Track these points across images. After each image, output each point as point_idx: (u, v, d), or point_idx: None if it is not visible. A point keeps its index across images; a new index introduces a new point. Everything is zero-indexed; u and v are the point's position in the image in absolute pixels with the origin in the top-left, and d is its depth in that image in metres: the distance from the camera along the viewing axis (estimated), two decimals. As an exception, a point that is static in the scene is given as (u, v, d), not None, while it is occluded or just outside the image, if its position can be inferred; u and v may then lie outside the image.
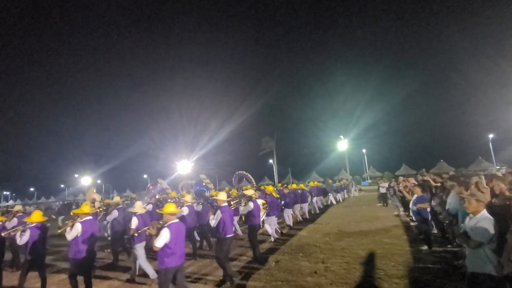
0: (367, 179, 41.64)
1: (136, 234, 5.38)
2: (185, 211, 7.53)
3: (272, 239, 8.58)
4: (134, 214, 5.73)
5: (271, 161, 40.59)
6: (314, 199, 14.67)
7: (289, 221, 10.83)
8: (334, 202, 18.28)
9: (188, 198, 7.55)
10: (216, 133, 39.69)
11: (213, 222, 5.44)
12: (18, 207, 8.59)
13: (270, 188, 9.71)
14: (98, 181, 55.24)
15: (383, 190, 15.63)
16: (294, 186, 14.20)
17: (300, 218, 12.22)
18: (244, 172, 26.66)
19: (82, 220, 4.88)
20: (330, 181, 23.00)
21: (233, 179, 27.72)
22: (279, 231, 9.56)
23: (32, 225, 5.31)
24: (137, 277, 5.79)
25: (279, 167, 40.61)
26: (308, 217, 12.90)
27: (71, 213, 6.61)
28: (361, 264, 5.98)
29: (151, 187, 21.41)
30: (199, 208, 8.27)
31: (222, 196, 5.87)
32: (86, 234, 4.81)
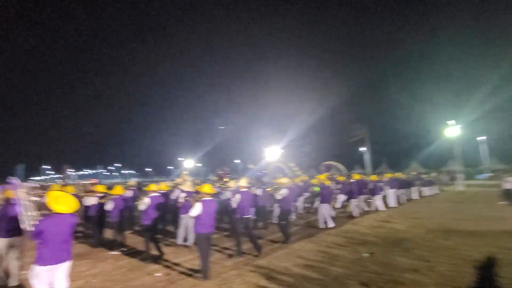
0: (484, 172, 34.87)
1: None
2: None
3: (321, 226, 8.93)
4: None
5: (363, 149, 38.03)
6: (391, 191, 13.23)
7: (356, 212, 10.90)
8: (416, 197, 16.08)
9: (244, 182, 7.93)
10: (304, 119, 39.06)
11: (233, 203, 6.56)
12: (133, 182, 10.69)
13: (321, 177, 10.47)
14: (198, 164, 61.79)
15: (508, 186, 12.99)
16: (358, 176, 13.32)
17: (361, 210, 11.55)
18: (332, 163, 25.67)
19: (203, 199, 5.31)
20: (414, 173, 19.88)
21: (320, 168, 27.08)
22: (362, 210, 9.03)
23: (152, 195, 6.51)
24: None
25: (373, 155, 37.73)
26: (385, 209, 12.05)
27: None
28: (475, 268, 5.06)
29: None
30: (258, 192, 9.22)
31: (242, 182, 6.98)
32: (206, 211, 5.19)
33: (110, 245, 7.23)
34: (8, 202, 5.07)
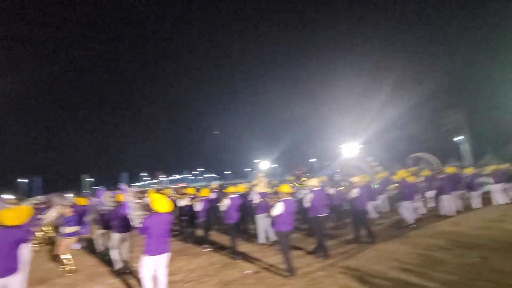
0: None
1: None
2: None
3: (409, 223, 8.17)
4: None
5: (460, 138, 33.09)
6: (497, 186, 10.85)
7: (445, 210, 9.54)
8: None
9: (315, 181, 7.62)
10: (386, 109, 35.55)
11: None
12: (215, 185, 11.68)
13: (402, 172, 9.63)
14: (274, 165, 62.72)
15: None
16: (451, 169, 11.27)
17: (454, 208, 9.72)
18: (422, 155, 22.98)
19: (283, 199, 5.41)
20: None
21: (407, 161, 24.52)
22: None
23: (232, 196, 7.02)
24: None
25: (474, 145, 32.50)
26: (480, 206, 10.39)
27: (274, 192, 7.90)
28: None
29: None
30: (331, 191, 9.40)
31: (313, 181, 6.87)
32: (286, 210, 5.29)
33: (201, 242, 7.83)
34: (119, 204, 5.99)
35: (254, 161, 58.43)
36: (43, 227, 8.43)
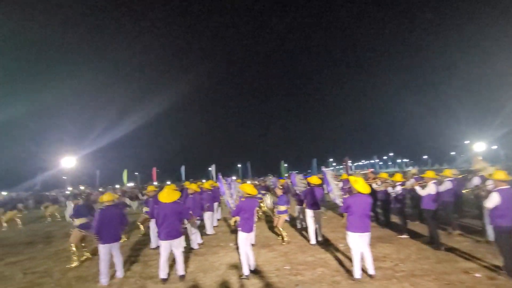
0: None
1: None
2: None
3: None
4: None
5: None
6: None
7: None
8: None
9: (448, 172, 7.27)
10: None
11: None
12: (414, 171, 11.21)
13: None
14: (494, 147, 48.64)
15: None
16: None
17: None
18: None
19: (498, 188, 4.54)
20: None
21: None
22: None
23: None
24: None
25: None
26: None
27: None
28: None
29: None
30: None
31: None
32: (505, 202, 4.41)
33: (396, 229, 7.38)
34: (310, 185, 6.99)
35: (465, 142, 47.40)
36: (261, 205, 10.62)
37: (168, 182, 37.30)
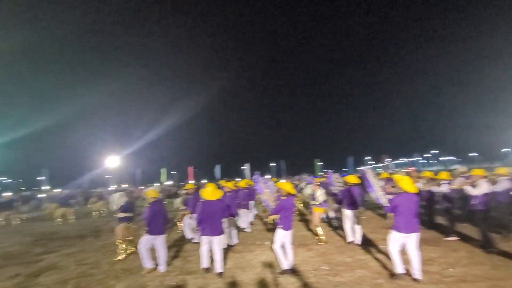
0: None
1: None
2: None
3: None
4: None
5: None
6: None
7: None
8: None
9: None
10: None
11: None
12: (462, 169, 10.74)
13: None
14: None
15: None
16: None
17: None
18: None
19: None
20: None
21: None
22: None
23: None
24: None
25: None
26: None
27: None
28: None
29: None
30: None
31: None
32: None
33: (444, 231, 6.93)
34: (348, 185, 6.81)
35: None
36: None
37: (205, 181, 38.34)
